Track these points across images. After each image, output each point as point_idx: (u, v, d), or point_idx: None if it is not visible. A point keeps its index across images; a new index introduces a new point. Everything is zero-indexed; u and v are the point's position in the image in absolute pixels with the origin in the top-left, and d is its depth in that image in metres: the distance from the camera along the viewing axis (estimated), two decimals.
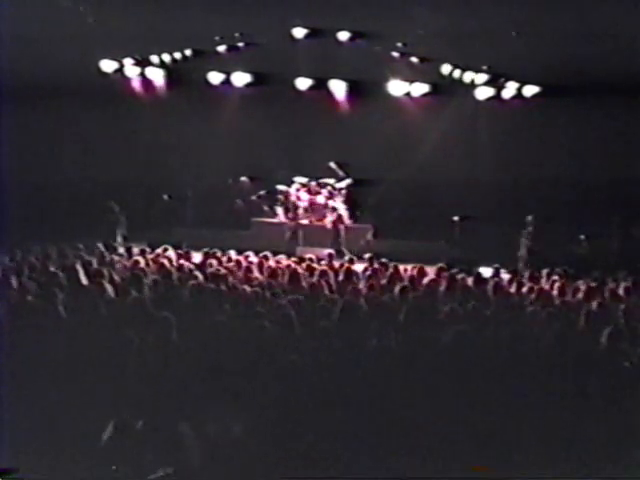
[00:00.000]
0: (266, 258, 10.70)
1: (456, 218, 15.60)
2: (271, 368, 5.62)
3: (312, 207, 16.59)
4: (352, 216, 16.61)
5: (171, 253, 11.19)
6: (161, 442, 4.65)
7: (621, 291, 8.85)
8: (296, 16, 13.57)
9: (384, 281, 9.15)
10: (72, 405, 5.17)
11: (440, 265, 10.18)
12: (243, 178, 17.04)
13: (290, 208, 16.46)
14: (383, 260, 10.85)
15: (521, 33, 12.48)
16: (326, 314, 6.77)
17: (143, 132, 16.56)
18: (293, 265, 10.09)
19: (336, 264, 10.59)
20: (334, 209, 16.10)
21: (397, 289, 8.30)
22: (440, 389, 5.43)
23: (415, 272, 9.67)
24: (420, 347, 5.96)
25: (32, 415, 5.01)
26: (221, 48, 15.51)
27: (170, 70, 16.30)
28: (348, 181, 16.77)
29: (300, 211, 16.45)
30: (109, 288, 7.67)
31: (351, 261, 10.70)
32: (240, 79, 16.50)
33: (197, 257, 10.94)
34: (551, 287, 9.11)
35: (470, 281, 9.08)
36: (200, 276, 8.68)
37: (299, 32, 14.23)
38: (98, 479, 4.34)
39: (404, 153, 15.87)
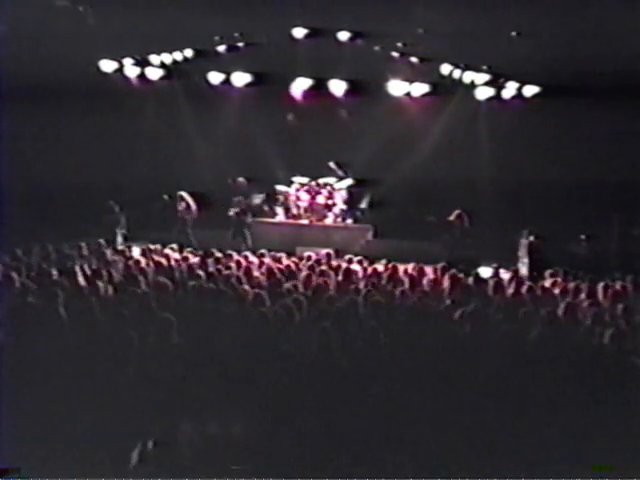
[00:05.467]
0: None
1: (451, 218, 15.59)
2: (271, 368, 5.62)
3: (312, 207, 16.61)
4: (352, 216, 16.64)
5: (171, 253, 11.20)
6: (160, 441, 4.65)
7: (621, 291, 8.83)
8: (296, 16, 13.54)
9: (384, 281, 9.17)
10: (72, 406, 5.17)
11: (442, 265, 10.17)
12: (241, 179, 17.04)
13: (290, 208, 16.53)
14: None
15: (521, 33, 12.47)
16: (326, 314, 6.77)
17: (143, 132, 16.53)
18: (293, 265, 10.09)
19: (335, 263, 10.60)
20: (181, 198, 16.05)
21: (397, 289, 8.32)
22: (440, 388, 5.43)
23: (415, 272, 9.68)
24: (421, 347, 5.96)
25: (32, 415, 5.01)
26: (221, 48, 15.50)
27: (170, 70, 16.29)
28: (348, 181, 16.78)
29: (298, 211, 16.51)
30: (109, 288, 7.68)
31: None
32: (240, 79, 16.51)
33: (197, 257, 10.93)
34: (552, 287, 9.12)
35: (470, 281, 9.09)
36: (200, 276, 8.68)
37: (299, 32, 14.22)
38: (98, 478, 4.34)
39: (404, 153, 15.85)
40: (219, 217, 16.14)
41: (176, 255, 11.17)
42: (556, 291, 8.89)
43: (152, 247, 12.13)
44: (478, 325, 6.54)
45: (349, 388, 5.48)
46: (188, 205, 16.07)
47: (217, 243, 12.26)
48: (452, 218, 15.55)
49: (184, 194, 16.15)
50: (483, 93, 15.71)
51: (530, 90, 15.45)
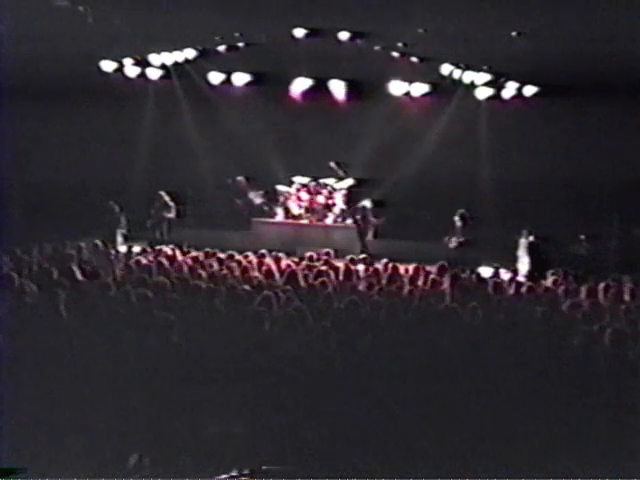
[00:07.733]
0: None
1: (456, 218, 15.64)
2: (270, 368, 5.62)
3: (312, 207, 16.62)
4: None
5: (170, 253, 11.20)
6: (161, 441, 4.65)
7: (622, 291, 8.82)
8: (296, 16, 13.54)
9: (384, 281, 9.16)
10: (72, 405, 5.17)
11: (441, 264, 10.17)
12: (241, 178, 17.04)
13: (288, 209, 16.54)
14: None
15: (521, 33, 12.47)
16: (326, 314, 6.77)
17: (143, 132, 16.55)
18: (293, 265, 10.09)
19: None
20: (159, 197, 16.43)
21: (397, 289, 8.33)
22: (440, 388, 5.43)
23: (415, 272, 9.68)
24: (421, 346, 5.96)
25: (33, 415, 5.01)
26: (221, 48, 15.51)
27: (170, 70, 16.30)
28: (348, 181, 16.77)
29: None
30: (109, 288, 7.68)
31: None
32: (240, 79, 16.52)
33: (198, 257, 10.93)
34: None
35: (470, 281, 9.08)
36: (200, 276, 8.68)
37: (299, 32, 14.21)
38: (98, 477, 4.34)
39: (404, 153, 15.85)
40: (219, 217, 16.18)
41: (178, 255, 11.16)
42: (556, 291, 8.87)
43: (150, 247, 12.14)
44: (478, 324, 6.55)
45: (349, 388, 5.48)
46: (166, 204, 16.26)
47: (219, 243, 12.25)
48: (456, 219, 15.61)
49: (163, 194, 16.35)
50: (483, 93, 15.73)
51: (530, 90, 15.47)
